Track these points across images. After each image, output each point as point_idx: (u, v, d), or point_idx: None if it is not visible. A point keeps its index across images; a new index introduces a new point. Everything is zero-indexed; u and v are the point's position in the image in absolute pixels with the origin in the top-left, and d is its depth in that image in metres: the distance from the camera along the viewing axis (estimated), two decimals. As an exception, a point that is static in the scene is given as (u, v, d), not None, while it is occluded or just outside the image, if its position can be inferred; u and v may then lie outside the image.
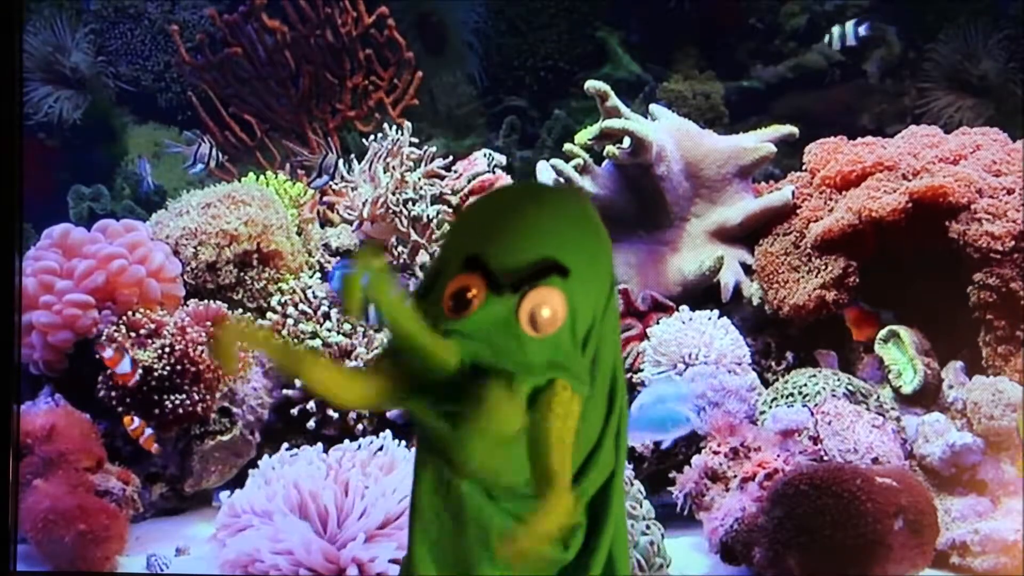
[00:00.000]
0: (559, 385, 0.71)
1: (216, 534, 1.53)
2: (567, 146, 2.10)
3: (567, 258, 0.71)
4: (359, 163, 2.14)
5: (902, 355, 1.77)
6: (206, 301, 1.88)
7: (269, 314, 1.96)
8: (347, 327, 1.94)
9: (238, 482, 1.59)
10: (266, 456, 1.64)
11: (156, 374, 1.70)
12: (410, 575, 0.78)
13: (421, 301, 0.74)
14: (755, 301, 1.97)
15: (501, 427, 0.70)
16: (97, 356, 1.68)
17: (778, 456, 1.55)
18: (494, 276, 0.70)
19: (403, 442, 1.62)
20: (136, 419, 1.67)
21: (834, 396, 1.65)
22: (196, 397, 1.73)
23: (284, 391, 1.87)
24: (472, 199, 0.80)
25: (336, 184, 2.17)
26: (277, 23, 2.57)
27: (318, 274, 2.09)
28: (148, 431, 1.67)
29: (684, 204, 2.09)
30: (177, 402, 1.71)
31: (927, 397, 1.73)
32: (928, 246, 1.82)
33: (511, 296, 0.70)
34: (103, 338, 1.72)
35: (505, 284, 0.70)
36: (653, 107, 2.17)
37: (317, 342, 1.88)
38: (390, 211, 2.02)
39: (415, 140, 2.13)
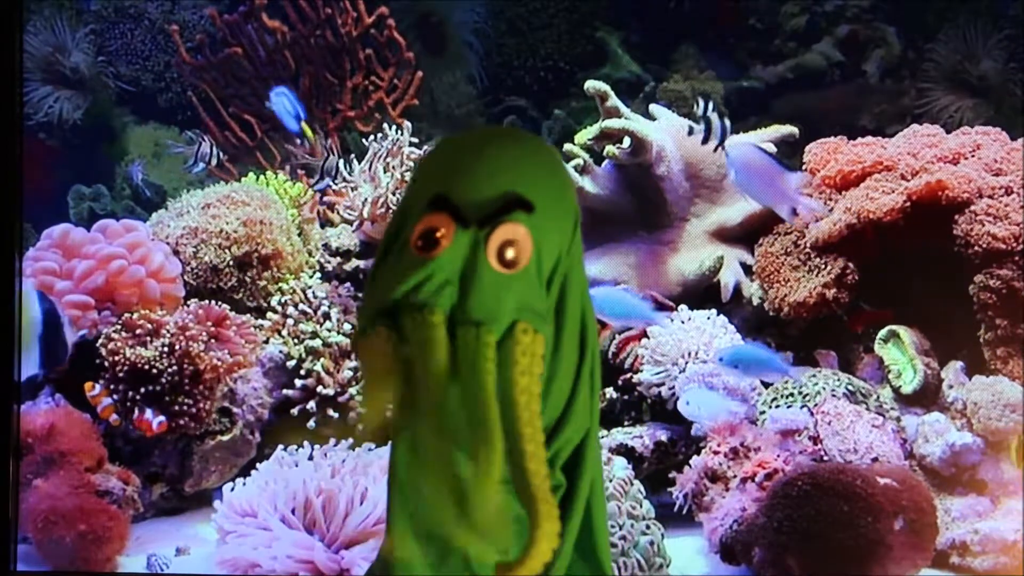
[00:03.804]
0: (519, 330, 0.70)
1: (217, 535, 1.53)
2: (567, 146, 2.10)
3: (532, 193, 0.71)
4: (359, 163, 2.14)
5: (902, 355, 1.77)
6: (206, 301, 1.88)
7: (269, 314, 1.96)
8: (347, 327, 1.94)
9: (238, 482, 1.59)
10: (266, 456, 1.64)
11: (156, 375, 1.70)
12: (390, 546, 0.77)
13: (392, 245, 0.73)
14: (755, 301, 1.97)
15: (475, 384, 0.69)
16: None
17: (778, 456, 1.55)
18: (460, 212, 0.70)
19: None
20: (97, 386, 1.67)
21: (834, 396, 1.65)
22: (197, 397, 1.73)
23: (284, 391, 1.87)
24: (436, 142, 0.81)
25: (336, 184, 2.17)
26: (277, 23, 2.57)
27: (318, 274, 2.09)
28: (107, 400, 1.67)
29: (684, 204, 2.09)
30: (175, 400, 1.71)
31: (927, 397, 1.73)
32: (928, 246, 1.82)
33: (478, 231, 0.70)
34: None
35: (471, 219, 0.70)
36: (654, 107, 2.17)
37: (317, 342, 1.88)
38: (390, 211, 2.02)
39: (415, 140, 2.13)
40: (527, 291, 0.71)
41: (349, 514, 1.46)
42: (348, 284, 2.06)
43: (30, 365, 1.49)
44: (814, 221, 1.84)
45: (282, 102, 2.13)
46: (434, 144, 0.80)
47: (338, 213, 2.18)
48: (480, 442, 0.68)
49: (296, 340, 1.90)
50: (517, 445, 0.68)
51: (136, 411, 1.68)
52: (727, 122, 1.85)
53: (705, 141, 1.84)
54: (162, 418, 1.68)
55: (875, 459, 1.55)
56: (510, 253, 0.70)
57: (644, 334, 1.87)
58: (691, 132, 1.99)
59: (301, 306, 1.95)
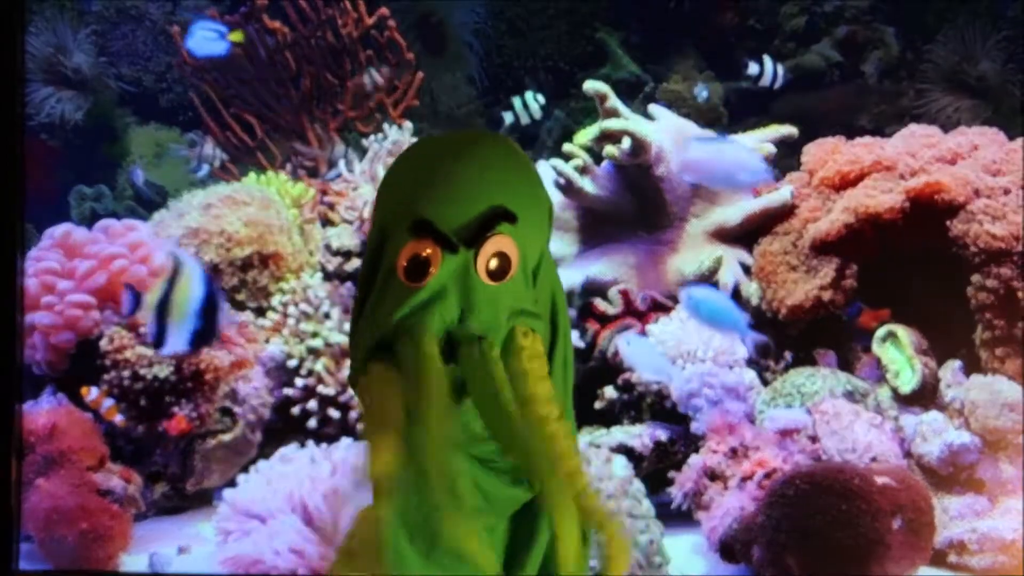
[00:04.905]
0: (519, 334, 0.71)
1: (218, 533, 1.53)
2: (567, 146, 2.11)
3: (513, 202, 0.71)
4: (360, 163, 2.15)
5: (900, 355, 1.78)
6: (207, 301, 1.89)
7: (270, 313, 1.97)
8: (347, 327, 1.94)
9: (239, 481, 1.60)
10: (267, 454, 1.64)
11: (158, 374, 1.71)
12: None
13: (374, 271, 0.74)
14: (754, 301, 1.97)
15: (491, 396, 0.70)
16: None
17: (777, 455, 1.56)
18: (446, 237, 0.71)
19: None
20: (94, 390, 1.68)
21: (832, 395, 1.66)
22: (198, 397, 1.73)
23: (285, 391, 1.88)
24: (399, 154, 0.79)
25: (349, 172, 2.18)
26: (278, 24, 2.58)
27: (319, 274, 2.10)
28: (108, 401, 1.67)
29: (683, 204, 2.09)
30: (176, 400, 1.72)
31: (925, 396, 1.74)
32: (926, 246, 1.83)
33: (466, 252, 0.70)
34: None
35: (458, 242, 0.71)
36: (653, 107, 2.17)
37: (318, 341, 1.89)
38: (390, 211, 2.02)
39: (415, 140, 2.13)
40: (518, 295, 0.72)
41: (348, 512, 1.46)
42: (349, 284, 2.06)
43: (179, 340, 1.47)
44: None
45: (202, 39, 2.08)
46: (400, 154, 0.79)
47: (339, 213, 2.18)
48: (516, 452, 0.69)
49: (297, 340, 1.91)
50: (549, 446, 0.68)
51: (164, 419, 1.69)
52: (780, 67, 1.87)
53: (757, 81, 1.87)
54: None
55: (873, 458, 1.55)
56: (499, 266, 0.71)
57: (643, 333, 1.87)
58: (746, 70, 2.04)
59: (302, 306, 1.96)
